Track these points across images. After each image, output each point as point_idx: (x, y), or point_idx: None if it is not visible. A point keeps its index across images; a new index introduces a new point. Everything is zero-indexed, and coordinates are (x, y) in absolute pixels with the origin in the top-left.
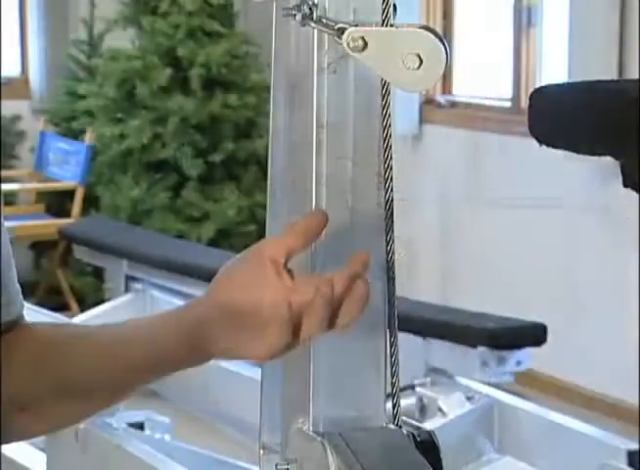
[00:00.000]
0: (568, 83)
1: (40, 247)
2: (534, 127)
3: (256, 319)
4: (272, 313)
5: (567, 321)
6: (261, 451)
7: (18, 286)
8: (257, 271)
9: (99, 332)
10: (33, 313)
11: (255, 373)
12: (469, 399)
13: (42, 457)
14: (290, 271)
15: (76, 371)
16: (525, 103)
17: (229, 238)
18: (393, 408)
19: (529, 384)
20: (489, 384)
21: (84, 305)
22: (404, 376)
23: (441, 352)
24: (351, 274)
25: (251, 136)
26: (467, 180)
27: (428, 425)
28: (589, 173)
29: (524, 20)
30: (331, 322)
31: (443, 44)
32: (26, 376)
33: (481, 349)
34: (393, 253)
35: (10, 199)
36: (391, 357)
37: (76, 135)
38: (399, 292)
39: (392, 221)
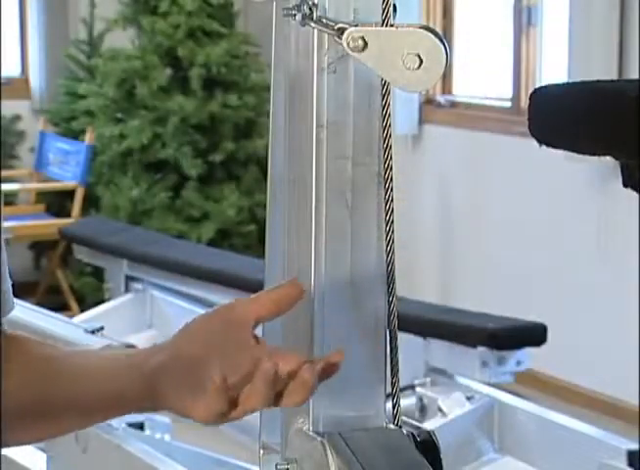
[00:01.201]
0: (568, 83)
1: (40, 247)
2: (534, 127)
3: (202, 380)
4: (214, 379)
5: (567, 321)
6: (261, 451)
7: (8, 285)
8: (222, 332)
9: (73, 358)
10: (33, 313)
11: None
12: (469, 399)
13: (42, 457)
14: (256, 336)
15: (52, 392)
16: (525, 103)
17: (229, 238)
18: (393, 408)
19: (529, 384)
20: (489, 384)
21: (84, 305)
22: (404, 376)
23: (441, 352)
24: (300, 361)
25: (251, 136)
26: (467, 180)
27: (428, 425)
28: (589, 173)
29: (524, 20)
30: (276, 399)
31: (443, 44)
32: (11, 386)
33: (481, 349)
34: (393, 253)
35: (10, 199)
36: (391, 357)
37: (76, 135)
38: (399, 292)
39: (392, 221)
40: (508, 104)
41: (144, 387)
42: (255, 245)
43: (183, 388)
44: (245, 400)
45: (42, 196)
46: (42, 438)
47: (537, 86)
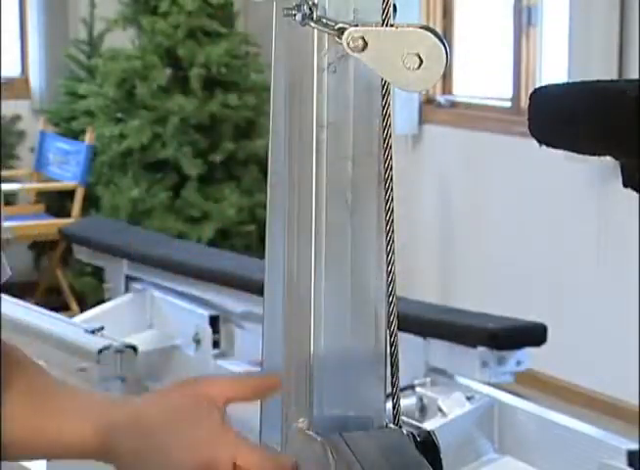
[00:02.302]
0: (568, 83)
1: (40, 247)
2: (534, 127)
3: (162, 455)
4: (177, 458)
5: (567, 321)
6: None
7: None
8: (191, 405)
9: (64, 392)
10: (33, 313)
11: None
12: (469, 399)
13: None
14: (223, 417)
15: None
16: (525, 103)
17: (229, 238)
18: (393, 408)
19: (529, 384)
20: (489, 384)
21: (84, 305)
22: (404, 376)
23: (441, 352)
24: (276, 464)
25: (251, 136)
26: (467, 180)
27: (428, 425)
28: (589, 173)
29: (524, 20)
30: None
31: (443, 44)
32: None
33: (481, 349)
34: (393, 252)
35: (10, 199)
36: (391, 357)
37: (76, 135)
38: (399, 292)
39: (392, 221)
40: (508, 104)
41: (94, 441)
42: (255, 245)
43: (139, 456)
44: None
45: (42, 196)
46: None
47: (537, 86)
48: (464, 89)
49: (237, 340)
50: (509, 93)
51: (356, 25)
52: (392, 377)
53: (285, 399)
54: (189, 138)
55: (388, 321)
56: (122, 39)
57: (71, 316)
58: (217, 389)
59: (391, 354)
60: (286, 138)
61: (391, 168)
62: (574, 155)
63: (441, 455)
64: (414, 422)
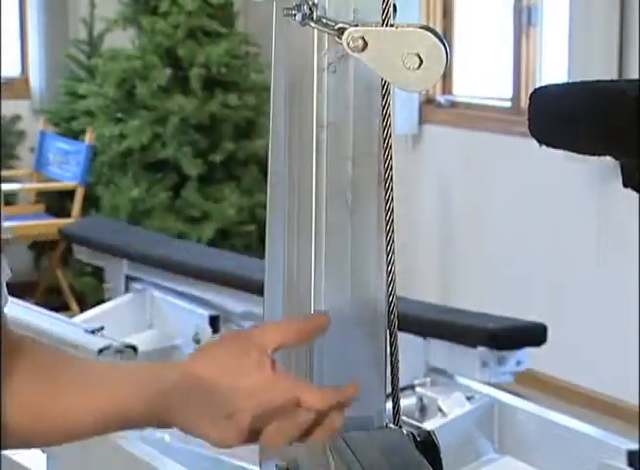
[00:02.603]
0: (568, 83)
1: (40, 247)
2: (534, 127)
3: (222, 405)
4: (238, 406)
5: (567, 321)
6: (261, 451)
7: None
8: (240, 356)
9: (74, 369)
10: (33, 313)
11: None
12: (469, 399)
13: (42, 457)
14: (274, 364)
15: (51, 410)
16: (525, 103)
17: (229, 238)
18: (393, 408)
19: (529, 384)
20: (489, 384)
21: (84, 305)
22: (404, 376)
23: (441, 352)
24: (329, 398)
25: (251, 136)
26: (467, 180)
27: (428, 425)
28: (589, 173)
29: (524, 20)
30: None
31: (443, 44)
32: (14, 402)
33: (481, 349)
34: (393, 252)
35: (10, 199)
36: (391, 357)
37: (76, 135)
38: (399, 292)
39: (392, 221)
40: (508, 104)
41: (149, 404)
42: (255, 245)
43: (196, 408)
44: (270, 436)
45: (42, 196)
46: (38, 447)
47: (537, 86)
48: (464, 89)
49: None
50: (509, 93)
51: (356, 25)
52: (392, 377)
53: None
54: (189, 138)
55: (389, 321)
56: (122, 39)
57: (71, 316)
58: (264, 337)
59: (391, 354)
60: (286, 138)
61: (391, 168)
62: (574, 155)
63: (441, 455)
64: (414, 422)
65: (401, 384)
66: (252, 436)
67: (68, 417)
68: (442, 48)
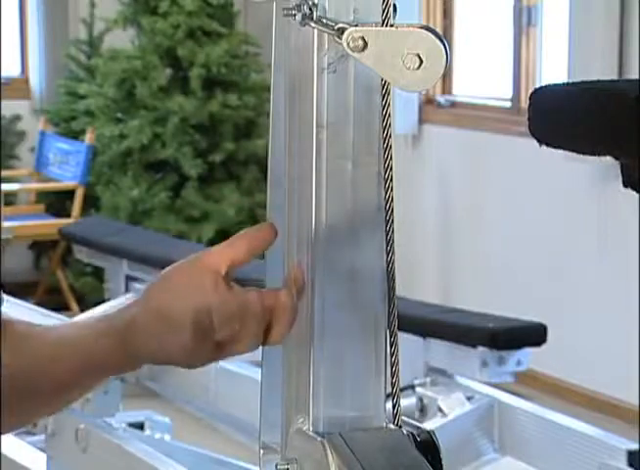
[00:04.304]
0: (568, 83)
1: (40, 247)
2: (534, 127)
3: (182, 326)
4: (197, 322)
5: (567, 321)
6: (261, 451)
7: None
8: (194, 279)
9: (50, 333)
10: (33, 313)
11: (255, 373)
12: (469, 399)
13: (42, 457)
14: (229, 283)
15: (33, 369)
16: (525, 103)
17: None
18: (393, 408)
19: (529, 384)
20: (489, 384)
21: (84, 305)
22: (404, 376)
23: (441, 351)
24: (277, 293)
25: (251, 136)
26: (467, 180)
27: (428, 425)
28: (589, 173)
29: (524, 19)
30: (265, 337)
31: (443, 44)
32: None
33: (481, 349)
34: (393, 253)
35: (10, 199)
36: (391, 357)
37: (76, 135)
38: (399, 292)
39: (392, 221)
40: (508, 104)
41: (115, 345)
42: None
43: (160, 334)
44: (235, 342)
45: (42, 196)
46: (29, 419)
47: (537, 86)
48: (464, 89)
49: None
50: (509, 93)
51: (356, 25)
52: (392, 377)
53: (285, 399)
54: (189, 138)
55: (389, 321)
56: (122, 39)
57: (71, 316)
58: (216, 258)
59: (391, 354)
60: (286, 138)
61: (391, 168)
62: (574, 155)
63: (441, 455)
64: (414, 422)
65: (401, 384)
66: (219, 349)
67: (50, 375)
68: (442, 48)
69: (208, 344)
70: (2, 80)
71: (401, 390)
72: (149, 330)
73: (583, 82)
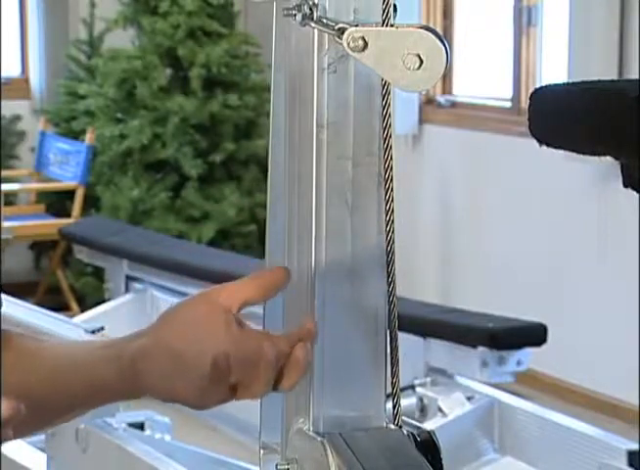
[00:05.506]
0: (568, 83)
1: (40, 247)
2: (534, 127)
3: (199, 370)
4: (216, 367)
5: (567, 321)
6: (261, 451)
7: None
8: (207, 317)
9: (55, 351)
10: (33, 313)
11: None
12: (469, 399)
13: (42, 457)
14: (241, 323)
15: (35, 386)
16: (525, 103)
17: (229, 238)
18: (393, 408)
19: (529, 384)
20: (489, 384)
21: (84, 305)
22: (404, 376)
23: (441, 351)
24: (294, 338)
25: (251, 136)
26: (467, 180)
27: (428, 425)
28: (589, 173)
29: (524, 19)
30: (275, 383)
31: (443, 44)
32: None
33: (481, 349)
34: (393, 253)
35: (10, 199)
36: (391, 357)
37: (76, 135)
38: (399, 292)
39: (392, 221)
40: (508, 104)
41: (123, 374)
42: (255, 245)
43: (170, 372)
44: (246, 387)
45: (42, 196)
46: (28, 434)
47: (537, 86)
48: (464, 89)
49: None
50: (509, 93)
51: (356, 25)
52: (392, 377)
53: (285, 399)
54: (189, 138)
55: (389, 321)
56: (122, 39)
57: (71, 316)
58: (228, 297)
59: (391, 354)
60: (286, 138)
61: (391, 168)
62: (574, 155)
63: (441, 455)
64: (414, 422)
65: (401, 384)
66: (231, 392)
67: (51, 394)
68: (442, 48)
69: (223, 387)
70: (2, 80)
71: (401, 390)
72: (160, 368)
73: (583, 82)
